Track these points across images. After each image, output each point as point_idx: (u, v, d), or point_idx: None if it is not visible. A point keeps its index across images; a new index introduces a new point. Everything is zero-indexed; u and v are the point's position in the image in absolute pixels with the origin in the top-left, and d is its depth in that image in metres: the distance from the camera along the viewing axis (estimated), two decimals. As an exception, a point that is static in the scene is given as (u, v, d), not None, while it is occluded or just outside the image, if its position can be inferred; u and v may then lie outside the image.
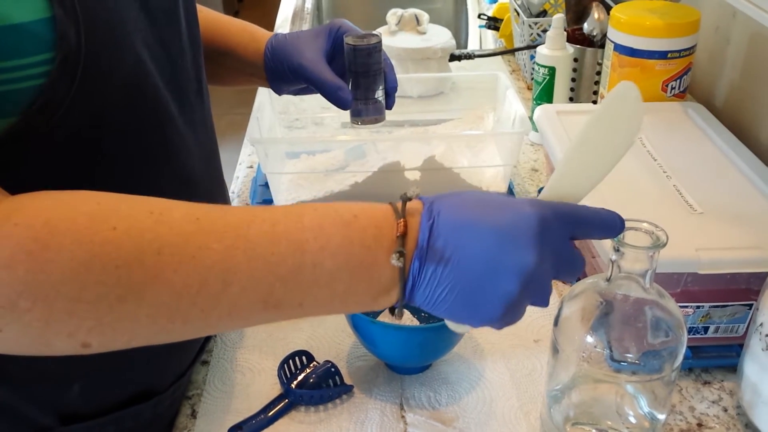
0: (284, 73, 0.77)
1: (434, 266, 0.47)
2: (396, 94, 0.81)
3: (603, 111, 0.49)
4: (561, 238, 0.49)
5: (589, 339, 0.56)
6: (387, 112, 0.81)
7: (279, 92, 0.82)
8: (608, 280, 0.55)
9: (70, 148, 0.50)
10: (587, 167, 0.50)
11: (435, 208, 0.48)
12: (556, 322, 0.58)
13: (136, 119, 0.54)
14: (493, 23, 1.48)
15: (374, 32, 0.75)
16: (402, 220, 0.48)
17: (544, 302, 0.50)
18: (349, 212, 0.48)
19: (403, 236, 0.47)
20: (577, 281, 0.58)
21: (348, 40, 0.74)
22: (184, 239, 0.44)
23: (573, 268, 0.50)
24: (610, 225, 0.51)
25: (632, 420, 0.60)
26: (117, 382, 0.62)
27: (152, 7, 0.56)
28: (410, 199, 0.49)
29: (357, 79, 0.75)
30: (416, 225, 0.48)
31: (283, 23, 1.68)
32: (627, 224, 0.53)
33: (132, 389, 0.63)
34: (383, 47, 0.77)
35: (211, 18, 0.81)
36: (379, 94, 0.77)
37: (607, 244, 0.67)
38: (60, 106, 0.47)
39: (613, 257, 0.53)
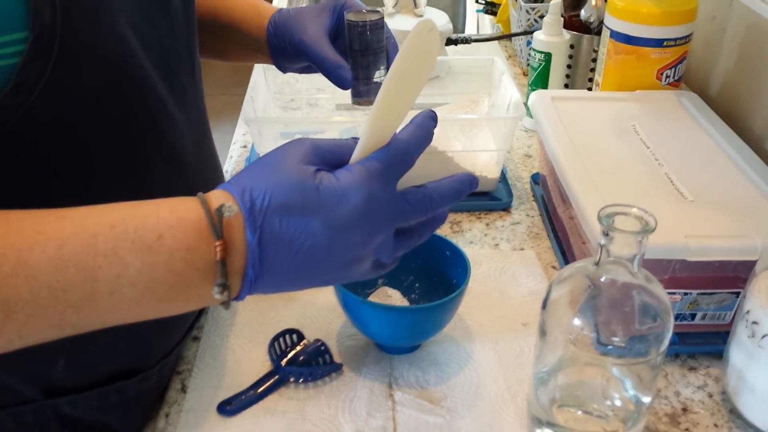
0: (286, 49, 0.75)
1: (269, 277, 0.46)
2: None
3: (409, 48, 0.46)
4: (386, 200, 0.47)
5: (577, 322, 0.56)
6: None
7: (283, 69, 0.80)
8: (597, 264, 0.55)
9: (49, 130, 0.49)
10: (400, 107, 0.48)
11: (257, 216, 0.45)
12: (544, 305, 0.58)
13: (120, 100, 0.53)
14: (491, 8, 1.48)
15: (377, 9, 0.73)
16: (221, 241, 0.44)
17: (388, 258, 0.50)
18: (152, 232, 0.44)
19: (224, 261, 0.45)
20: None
21: (349, 16, 0.71)
22: None
23: (411, 216, 0.50)
24: (416, 146, 0.49)
25: (618, 403, 0.61)
26: (103, 358, 0.61)
27: None
28: (223, 215, 0.44)
29: (357, 57, 0.72)
30: (240, 242, 0.45)
31: (279, 4, 1.67)
32: (616, 209, 0.53)
33: (118, 365, 0.63)
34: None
35: None
36: (381, 75, 0.74)
37: (596, 228, 0.67)
38: (35, 86, 0.45)
39: (602, 241, 0.54)
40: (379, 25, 0.72)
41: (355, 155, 0.48)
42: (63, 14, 0.45)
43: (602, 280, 0.55)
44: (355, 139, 0.49)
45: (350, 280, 0.51)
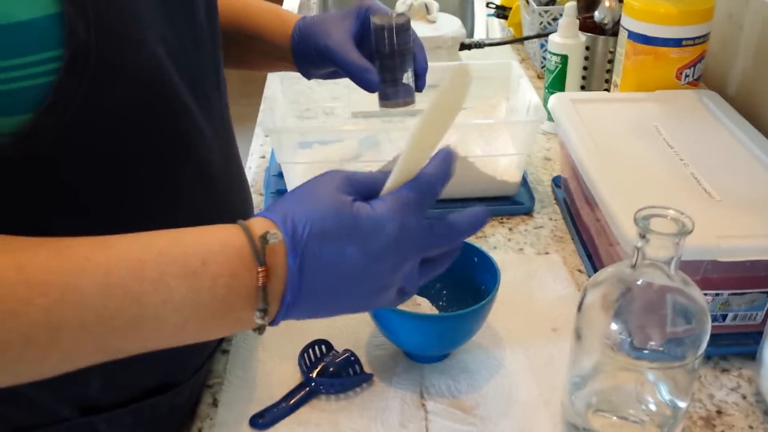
0: (311, 55, 0.75)
1: (305, 302, 0.48)
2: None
3: (445, 92, 0.48)
4: (416, 230, 0.49)
5: (613, 326, 0.56)
6: (407, 100, 0.77)
7: (308, 76, 0.80)
8: (633, 267, 0.55)
9: (85, 147, 0.49)
10: (430, 143, 0.50)
11: (298, 243, 0.46)
12: (579, 308, 0.58)
13: (152, 115, 0.53)
14: (502, 12, 1.48)
15: (402, 11, 0.72)
16: (263, 268, 0.46)
17: (413, 286, 0.52)
18: (197, 258, 0.45)
19: (265, 287, 0.46)
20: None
21: (374, 19, 0.71)
22: (3, 292, 0.41)
23: (436, 247, 0.52)
24: (441, 180, 0.51)
25: (653, 408, 0.61)
26: (136, 376, 0.62)
27: (169, 0, 0.55)
28: (267, 242, 0.46)
29: (384, 60, 0.72)
30: (282, 267, 0.46)
31: (290, 5, 1.67)
32: (652, 211, 0.53)
33: (151, 382, 0.63)
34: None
35: (240, 1, 0.80)
36: (408, 77, 0.73)
37: (627, 231, 0.67)
38: (71, 104, 0.46)
39: (639, 244, 0.53)
40: (406, 28, 0.71)
41: (387, 187, 0.50)
42: (97, 32, 0.45)
43: (638, 283, 0.55)
44: (384, 173, 0.51)
45: (377, 307, 0.53)
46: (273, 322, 0.49)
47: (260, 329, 0.48)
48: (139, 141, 0.53)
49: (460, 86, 0.49)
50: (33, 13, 0.43)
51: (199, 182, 0.61)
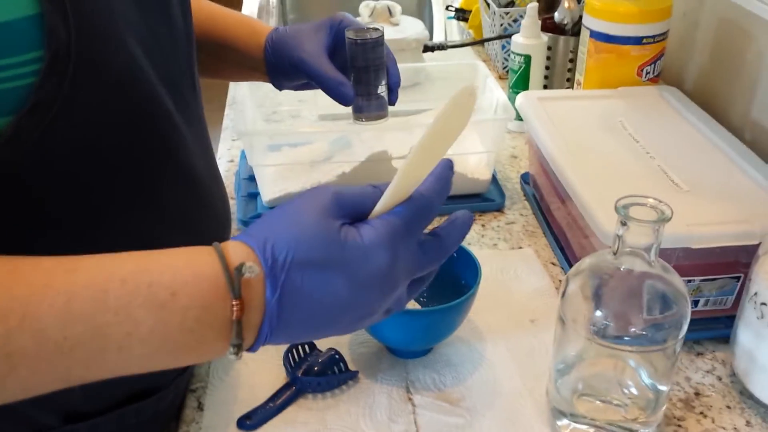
0: (285, 67, 0.75)
1: (283, 332, 0.45)
2: None
3: (448, 112, 0.45)
4: (407, 256, 0.46)
5: (596, 313, 0.57)
6: (380, 113, 0.78)
7: (279, 87, 0.80)
8: (614, 254, 0.56)
9: (66, 150, 0.48)
10: (428, 162, 0.48)
11: (278, 273, 0.43)
12: (562, 296, 0.59)
13: (132, 116, 0.52)
14: (462, 14, 1.50)
15: (377, 26, 0.74)
16: (238, 301, 0.43)
17: (400, 308, 0.50)
18: (166, 288, 0.42)
19: (240, 320, 0.43)
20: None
21: (349, 33, 0.72)
22: None
23: (427, 268, 0.49)
24: (437, 199, 0.48)
25: (635, 392, 0.62)
26: (119, 381, 0.60)
27: (145, 1, 0.55)
28: (243, 275, 0.43)
29: (358, 74, 0.73)
30: (259, 299, 0.43)
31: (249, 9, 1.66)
32: (632, 200, 0.54)
33: (134, 386, 0.62)
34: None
35: (210, 10, 0.80)
36: (382, 90, 0.75)
37: (602, 222, 0.69)
38: (52, 105, 0.45)
39: (619, 232, 0.55)
40: (380, 43, 0.73)
41: (380, 207, 0.47)
42: (77, 32, 0.45)
43: (620, 269, 0.57)
44: (375, 186, 0.48)
45: (359, 329, 0.50)
46: (250, 349, 0.46)
47: (236, 354, 0.45)
48: (119, 142, 0.52)
49: (464, 107, 0.46)
50: (12, 15, 0.42)
51: (180, 182, 0.60)
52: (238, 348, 0.44)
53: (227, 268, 0.43)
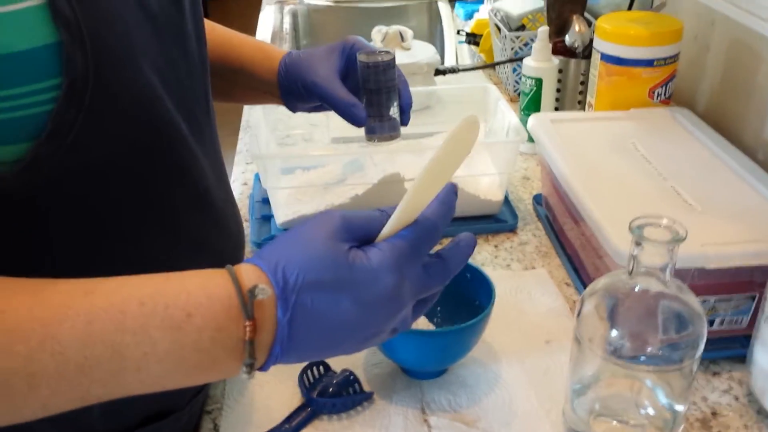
0: (298, 90, 0.77)
1: (294, 351, 0.46)
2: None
3: (453, 139, 0.47)
4: (412, 277, 0.48)
5: (612, 333, 0.57)
6: (392, 134, 0.79)
7: (293, 110, 0.82)
8: (629, 274, 0.57)
9: (82, 176, 0.49)
10: (433, 187, 0.49)
11: (289, 295, 0.45)
12: (578, 316, 0.59)
13: (149, 143, 0.53)
14: (473, 39, 1.51)
15: (387, 49, 0.75)
16: (251, 322, 0.44)
17: (406, 327, 0.51)
18: (181, 310, 0.44)
19: (252, 341, 0.44)
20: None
21: (361, 57, 0.74)
22: None
23: (431, 289, 0.50)
24: (442, 222, 0.50)
25: (651, 412, 0.62)
26: (136, 402, 0.60)
27: (162, 29, 0.56)
28: (256, 297, 0.44)
29: (371, 96, 0.74)
30: (271, 320, 0.45)
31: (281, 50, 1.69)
32: (647, 220, 0.55)
33: (150, 408, 0.62)
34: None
35: (225, 35, 0.81)
36: (394, 111, 0.76)
37: (616, 243, 0.69)
38: (69, 132, 0.46)
39: (634, 252, 0.55)
40: (391, 65, 0.75)
41: (386, 231, 0.48)
42: (94, 60, 0.46)
43: (635, 290, 0.57)
44: (381, 211, 0.50)
45: (367, 348, 0.51)
46: (262, 368, 0.47)
47: (249, 374, 0.47)
48: (136, 166, 0.53)
49: (468, 135, 0.48)
50: (32, 43, 0.43)
51: (195, 206, 0.61)
52: (251, 367, 0.45)
53: (240, 290, 0.45)
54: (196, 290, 0.45)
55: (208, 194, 0.62)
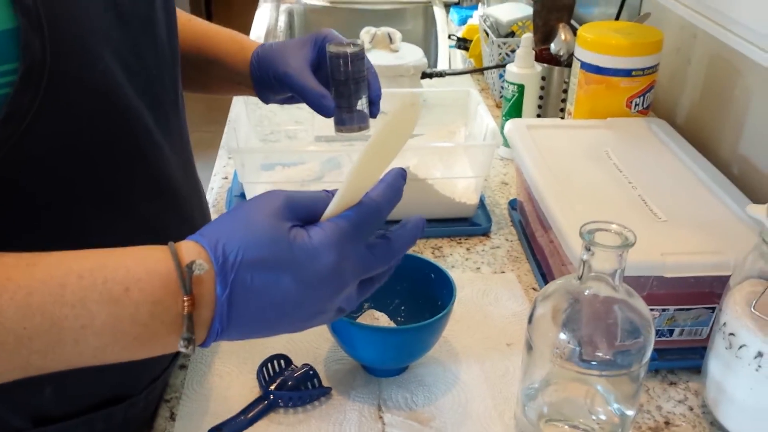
0: (270, 81, 0.78)
1: (234, 329, 0.47)
2: None
3: (392, 120, 0.48)
4: (355, 257, 0.49)
5: (562, 336, 0.58)
6: (361, 125, 0.79)
7: (266, 101, 0.82)
8: (580, 279, 0.57)
9: (39, 160, 0.50)
10: (376, 169, 0.50)
11: (228, 271, 0.45)
12: (530, 321, 0.60)
13: (107, 129, 0.54)
14: (463, 43, 1.52)
15: (356, 41, 0.76)
16: (189, 297, 0.45)
17: (351, 307, 0.52)
18: (119, 284, 0.44)
19: (191, 315, 0.45)
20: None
21: (330, 48, 0.74)
22: None
23: (376, 269, 0.51)
24: (386, 205, 0.50)
25: (602, 417, 0.63)
26: (90, 385, 0.61)
27: (127, 17, 0.56)
28: (193, 272, 0.45)
29: (339, 87, 0.75)
30: (209, 296, 0.46)
31: (256, 41, 1.69)
32: (597, 225, 0.55)
33: (105, 392, 0.63)
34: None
35: (200, 27, 0.82)
36: (363, 103, 0.77)
37: (577, 250, 0.69)
38: (25, 116, 0.46)
39: (584, 257, 0.56)
40: (360, 56, 0.75)
41: (330, 210, 0.49)
42: (52, 46, 0.46)
43: (585, 294, 0.57)
44: (327, 192, 0.50)
45: (312, 327, 0.51)
46: (203, 345, 0.48)
47: (187, 348, 0.47)
48: (94, 154, 0.53)
49: (409, 115, 0.49)
50: None
51: (156, 195, 0.61)
52: (188, 342, 0.46)
53: (179, 265, 0.46)
54: (136, 265, 0.46)
55: (170, 182, 0.63)
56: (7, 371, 0.45)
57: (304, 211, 0.49)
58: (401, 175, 0.51)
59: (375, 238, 0.51)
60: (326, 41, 0.76)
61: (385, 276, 0.54)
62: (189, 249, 0.47)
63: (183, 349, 0.46)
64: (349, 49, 0.74)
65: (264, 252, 0.46)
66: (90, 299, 0.44)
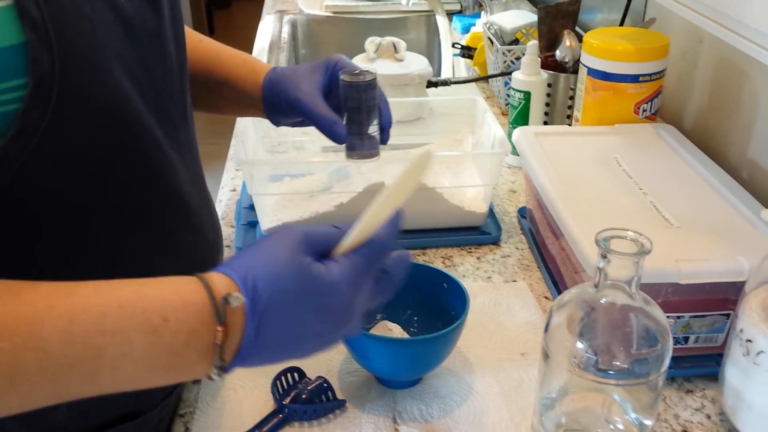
0: (281, 106, 0.78)
1: (258, 356, 0.49)
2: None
3: (409, 171, 0.52)
4: (366, 289, 0.52)
5: (579, 345, 0.58)
6: (372, 151, 0.80)
7: (277, 124, 0.83)
8: (596, 287, 0.57)
9: (49, 175, 0.50)
10: (386, 210, 0.53)
11: (258, 303, 0.48)
12: (546, 329, 0.60)
13: (118, 144, 0.54)
14: (467, 52, 1.52)
15: (369, 69, 0.76)
16: (223, 327, 0.47)
17: (354, 334, 0.55)
18: (158, 314, 0.46)
19: (223, 345, 0.47)
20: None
21: (343, 76, 0.75)
22: None
23: (383, 295, 0.55)
24: (391, 242, 0.53)
25: (620, 426, 0.62)
26: (104, 402, 0.60)
27: (136, 31, 0.57)
28: (230, 304, 0.47)
29: (351, 114, 0.76)
30: (239, 326, 0.48)
31: (259, 53, 1.70)
32: (613, 233, 0.55)
33: (119, 408, 0.63)
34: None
35: (212, 48, 0.83)
36: (374, 129, 0.77)
37: (590, 257, 0.69)
38: (35, 132, 0.47)
39: (600, 264, 0.55)
40: (373, 85, 0.76)
41: (343, 246, 0.52)
42: (61, 61, 0.47)
43: (601, 302, 0.57)
44: (338, 228, 0.53)
45: (319, 352, 0.54)
46: (225, 370, 0.49)
47: (219, 376, 0.49)
48: (104, 168, 0.54)
49: (422, 167, 0.53)
50: None
51: (167, 209, 0.61)
52: (220, 369, 0.48)
53: (213, 297, 0.47)
54: (172, 296, 0.47)
55: (181, 195, 0.63)
56: (44, 398, 0.45)
57: (319, 246, 0.52)
58: (401, 215, 0.54)
59: (377, 271, 0.54)
60: (338, 68, 0.77)
61: (382, 305, 0.57)
62: (220, 281, 0.49)
63: (215, 377, 0.48)
64: (362, 78, 0.75)
65: (289, 285, 0.48)
66: (130, 328, 0.45)
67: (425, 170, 0.53)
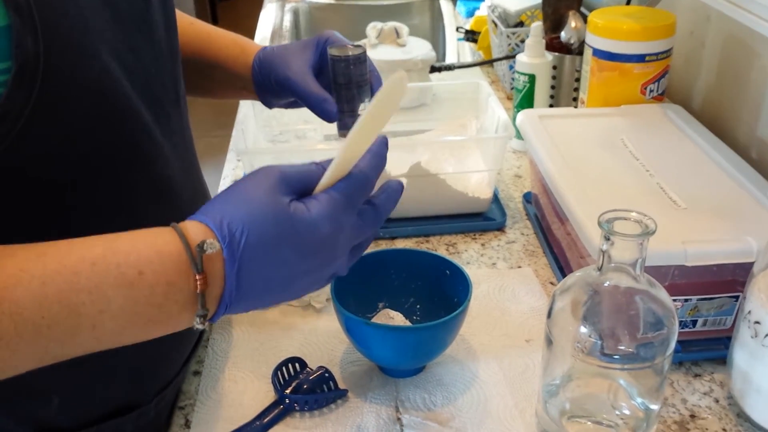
0: (271, 86, 0.76)
1: (242, 301, 0.49)
2: None
3: (383, 96, 0.51)
4: (348, 225, 0.51)
5: (582, 330, 0.56)
6: None
7: (269, 105, 0.81)
8: (599, 270, 0.55)
9: (35, 159, 0.49)
10: (365, 141, 0.52)
11: (236, 248, 0.47)
12: (549, 315, 0.58)
13: (104, 128, 0.53)
14: (471, 36, 1.50)
15: (358, 43, 0.74)
16: (201, 275, 0.46)
17: (344, 271, 0.55)
18: (133, 268, 0.45)
19: (203, 293, 0.47)
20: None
21: (332, 51, 0.72)
22: None
23: (365, 234, 0.54)
24: (374, 173, 0.52)
25: (626, 411, 0.61)
26: (98, 396, 0.61)
27: (123, 15, 0.55)
28: (205, 251, 0.46)
29: (341, 91, 0.73)
30: (219, 273, 0.47)
31: (262, 42, 1.69)
32: (616, 214, 0.54)
33: (113, 402, 0.62)
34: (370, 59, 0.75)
35: (203, 31, 0.81)
36: (365, 106, 0.75)
37: (595, 241, 0.68)
38: (20, 115, 0.46)
39: (604, 247, 0.54)
40: (362, 59, 0.73)
41: (323, 183, 0.51)
42: (45, 44, 0.46)
43: (605, 286, 0.56)
44: (317, 164, 0.52)
45: (308, 293, 0.54)
46: (211, 320, 0.50)
47: (202, 324, 0.49)
48: (91, 153, 0.53)
49: (398, 88, 0.51)
50: None
51: (157, 195, 0.60)
52: (203, 317, 0.48)
53: (188, 246, 0.47)
54: (146, 248, 0.47)
55: (170, 182, 0.62)
56: (24, 362, 0.45)
57: (298, 184, 0.51)
58: (384, 143, 0.53)
59: (362, 205, 0.53)
60: (328, 44, 0.74)
61: (371, 240, 0.57)
62: (195, 228, 0.48)
63: (199, 326, 0.48)
64: (351, 52, 0.72)
65: (267, 227, 0.47)
66: (106, 284, 0.45)
67: (401, 93, 0.52)
